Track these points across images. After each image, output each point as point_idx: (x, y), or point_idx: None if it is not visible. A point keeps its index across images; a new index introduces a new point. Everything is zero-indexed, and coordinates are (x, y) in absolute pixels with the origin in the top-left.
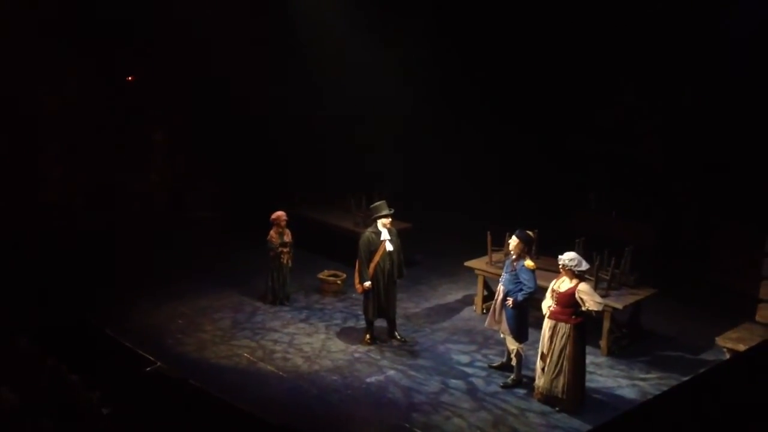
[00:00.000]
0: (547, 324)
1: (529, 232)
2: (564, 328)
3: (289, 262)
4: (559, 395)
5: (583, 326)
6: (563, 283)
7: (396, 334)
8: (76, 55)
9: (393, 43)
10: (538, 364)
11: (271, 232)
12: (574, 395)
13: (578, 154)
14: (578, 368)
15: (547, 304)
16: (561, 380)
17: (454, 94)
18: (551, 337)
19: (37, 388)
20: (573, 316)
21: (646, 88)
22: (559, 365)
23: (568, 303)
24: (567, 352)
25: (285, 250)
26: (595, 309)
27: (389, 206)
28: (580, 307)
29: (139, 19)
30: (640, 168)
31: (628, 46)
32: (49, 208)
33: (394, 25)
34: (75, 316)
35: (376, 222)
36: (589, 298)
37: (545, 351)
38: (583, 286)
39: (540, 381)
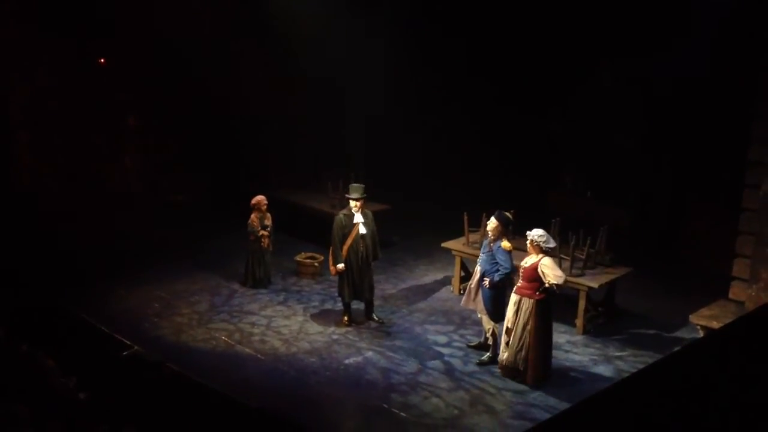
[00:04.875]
0: (513, 299)
1: (508, 214)
2: (527, 303)
3: (270, 246)
4: (520, 368)
5: (546, 302)
6: (530, 259)
7: (373, 315)
8: (47, 40)
9: (369, 28)
10: (503, 338)
11: (252, 216)
12: (536, 370)
13: (554, 136)
14: (541, 344)
15: (518, 282)
16: (523, 354)
17: (431, 74)
18: (516, 312)
19: (13, 374)
20: (537, 292)
21: (621, 71)
22: (522, 340)
23: (532, 278)
24: (529, 327)
25: (265, 233)
26: (555, 282)
27: (365, 191)
28: (544, 282)
29: (108, 4)
30: (615, 149)
31: (605, 28)
32: (22, 194)
33: (371, 10)
34: (50, 301)
35: (350, 204)
36: (550, 271)
37: (510, 325)
38: (546, 260)
39: (504, 355)
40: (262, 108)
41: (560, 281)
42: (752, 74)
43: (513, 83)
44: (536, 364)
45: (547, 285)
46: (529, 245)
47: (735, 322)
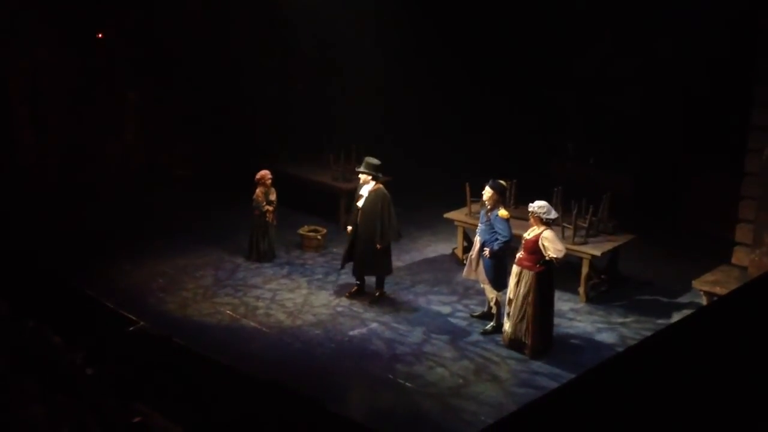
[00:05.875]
0: (514, 270)
1: (502, 182)
2: (527, 275)
3: (274, 220)
4: (522, 339)
5: (546, 275)
6: (532, 231)
7: (376, 293)
8: (46, 14)
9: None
10: (505, 309)
11: (257, 191)
12: (536, 341)
13: (556, 103)
14: (540, 315)
15: (519, 253)
16: (524, 325)
17: (429, 44)
18: (517, 284)
19: (20, 349)
20: (537, 264)
21: (622, 36)
22: (522, 311)
23: (533, 250)
24: (530, 299)
25: (270, 208)
26: (555, 256)
27: (375, 167)
28: (544, 255)
29: None
30: (617, 116)
31: None
32: (24, 170)
33: None
34: (55, 277)
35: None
36: (550, 245)
37: (512, 296)
38: (547, 233)
39: (506, 325)
40: (263, 82)
41: (560, 255)
42: (755, 37)
43: (514, 49)
44: (535, 336)
45: (547, 258)
46: (530, 217)
47: (740, 289)
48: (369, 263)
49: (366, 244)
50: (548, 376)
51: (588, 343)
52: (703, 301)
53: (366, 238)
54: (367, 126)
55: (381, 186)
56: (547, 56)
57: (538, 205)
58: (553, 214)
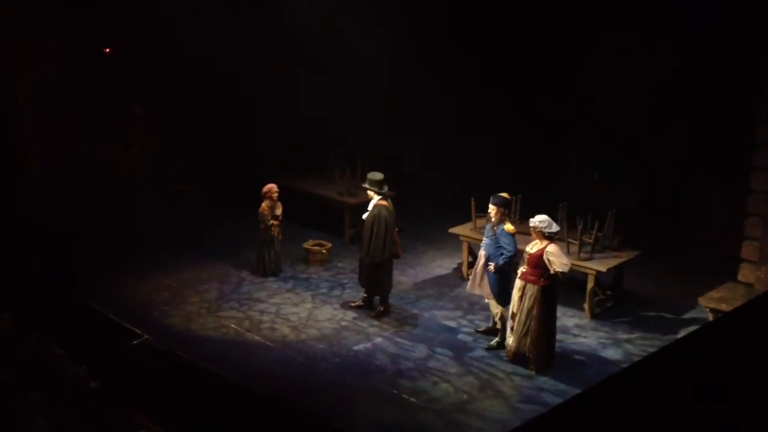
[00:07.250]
0: (517, 284)
1: (504, 194)
2: (532, 289)
3: (279, 234)
4: (526, 353)
5: (550, 289)
6: (535, 245)
7: (380, 308)
8: (53, 28)
9: (371, 14)
10: (509, 323)
11: (263, 205)
12: (540, 355)
13: (560, 119)
14: (544, 330)
15: (522, 268)
16: (528, 340)
17: (434, 60)
18: (520, 298)
19: (23, 363)
20: (541, 279)
21: (625, 51)
22: (526, 325)
23: (537, 264)
24: (534, 313)
25: (276, 222)
26: (561, 270)
27: (377, 183)
28: (549, 269)
29: None
30: (621, 131)
31: (608, 7)
32: (29, 182)
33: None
34: (60, 290)
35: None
36: (556, 259)
37: (515, 311)
38: (552, 248)
39: (509, 340)
40: (268, 96)
41: (566, 269)
42: (761, 53)
43: (517, 66)
44: (540, 351)
45: (552, 273)
46: (532, 232)
47: (745, 306)
48: (369, 279)
49: (365, 262)
50: (553, 392)
51: (593, 360)
52: (709, 317)
53: (362, 252)
54: (372, 141)
55: (383, 203)
56: (550, 71)
57: (538, 220)
58: (555, 228)
